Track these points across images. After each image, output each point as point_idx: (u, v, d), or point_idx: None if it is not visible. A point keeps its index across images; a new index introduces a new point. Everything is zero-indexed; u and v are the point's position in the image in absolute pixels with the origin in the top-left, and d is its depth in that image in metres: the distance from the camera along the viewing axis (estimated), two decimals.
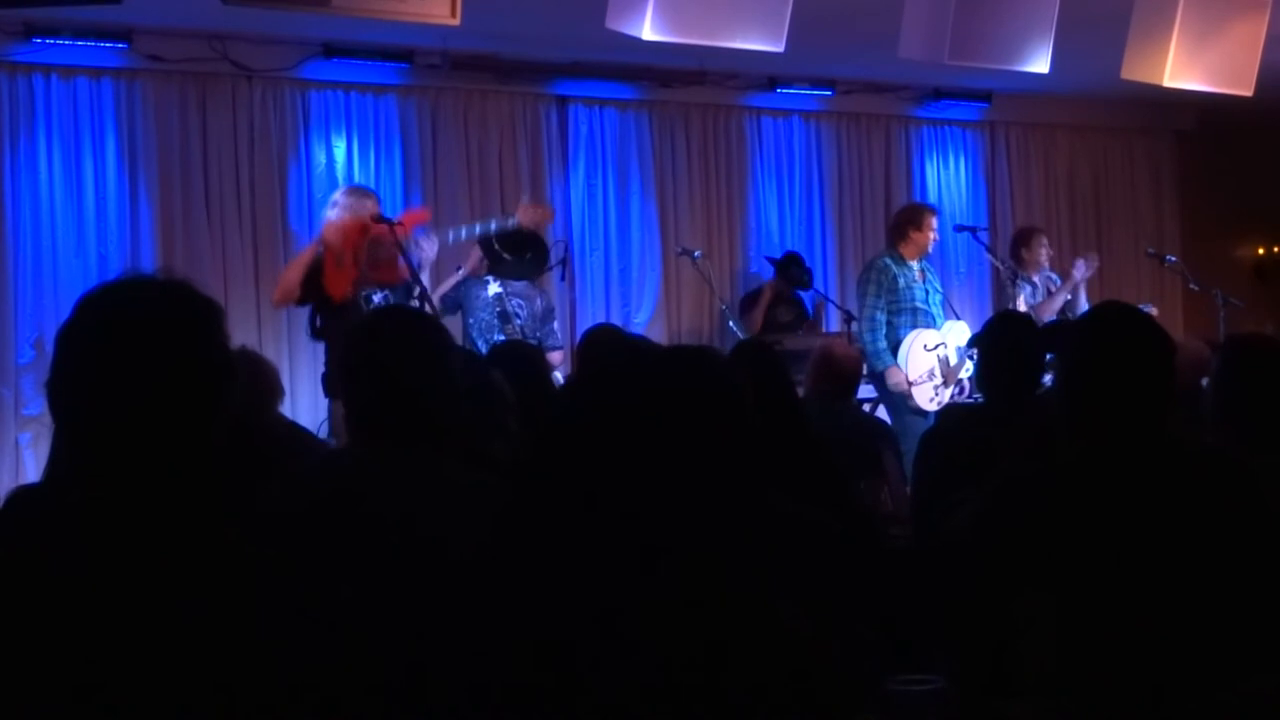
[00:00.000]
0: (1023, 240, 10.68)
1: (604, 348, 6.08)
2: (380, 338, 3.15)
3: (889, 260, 9.42)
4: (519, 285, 8.93)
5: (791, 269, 10.96)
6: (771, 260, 11.16)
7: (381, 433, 3.02)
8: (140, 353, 2.10)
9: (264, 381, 5.10)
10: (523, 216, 8.87)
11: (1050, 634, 2.91)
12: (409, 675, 2.12)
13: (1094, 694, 2.89)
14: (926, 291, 9.42)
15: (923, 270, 9.50)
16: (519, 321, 8.79)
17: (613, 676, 1.89)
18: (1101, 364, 3.15)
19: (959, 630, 3.04)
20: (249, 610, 2.03)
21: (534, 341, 8.74)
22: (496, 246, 8.86)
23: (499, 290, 8.69)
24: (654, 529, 1.95)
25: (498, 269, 8.82)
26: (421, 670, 2.11)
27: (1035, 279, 10.45)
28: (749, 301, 11.10)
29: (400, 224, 7.78)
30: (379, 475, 2.94)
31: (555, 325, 9.35)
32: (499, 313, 8.65)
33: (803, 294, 11.13)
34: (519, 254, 8.94)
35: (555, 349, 9.15)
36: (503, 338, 8.41)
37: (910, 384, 9.14)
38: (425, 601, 2.37)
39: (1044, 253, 10.56)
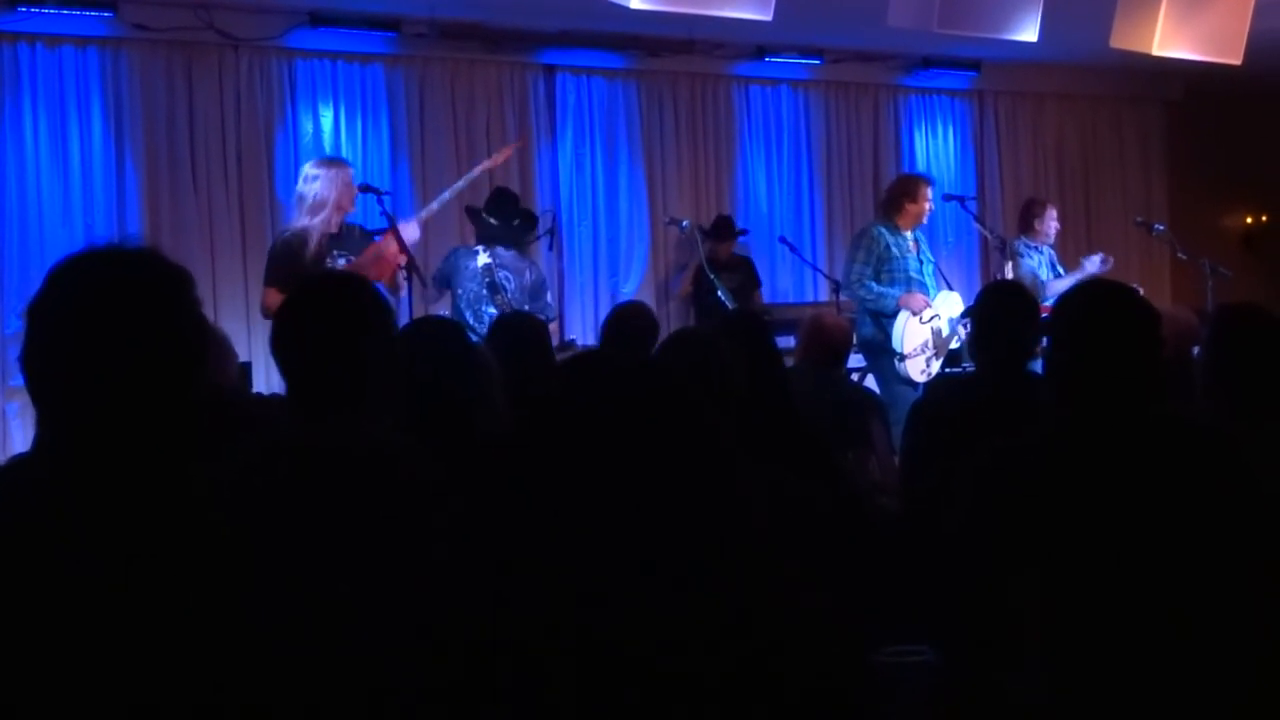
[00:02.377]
0: (1034, 211, 10.70)
1: (632, 324, 6.30)
2: (309, 306, 3.15)
3: (883, 229, 9.37)
4: (508, 256, 8.89)
5: (720, 229, 10.97)
6: (700, 228, 11.05)
7: (308, 401, 3.02)
8: (110, 323, 2.09)
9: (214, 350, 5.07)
10: (490, 164, 8.82)
11: (1039, 605, 2.91)
12: (375, 651, 2.12)
13: (1082, 665, 2.89)
14: (920, 262, 9.41)
15: (916, 240, 9.49)
16: (507, 294, 8.75)
17: (603, 659, 1.88)
18: (1088, 335, 3.15)
19: (948, 602, 3.05)
20: (227, 585, 2.03)
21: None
22: (484, 214, 8.85)
23: (488, 261, 8.62)
24: (648, 505, 1.94)
25: (485, 234, 8.78)
26: (384, 648, 2.11)
27: (1042, 249, 10.46)
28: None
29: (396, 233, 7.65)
30: (318, 449, 2.94)
31: (550, 298, 9.31)
32: (488, 284, 8.59)
33: (747, 257, 11.11)
34: (506, 220, 8.93)
35: (548, 322, 9.14)
36: (493, 310, 8.37)
37: (905, 356, 9.14)
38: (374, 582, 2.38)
39: (1052, 225, 10.58)
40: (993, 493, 3.05)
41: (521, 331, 5.67)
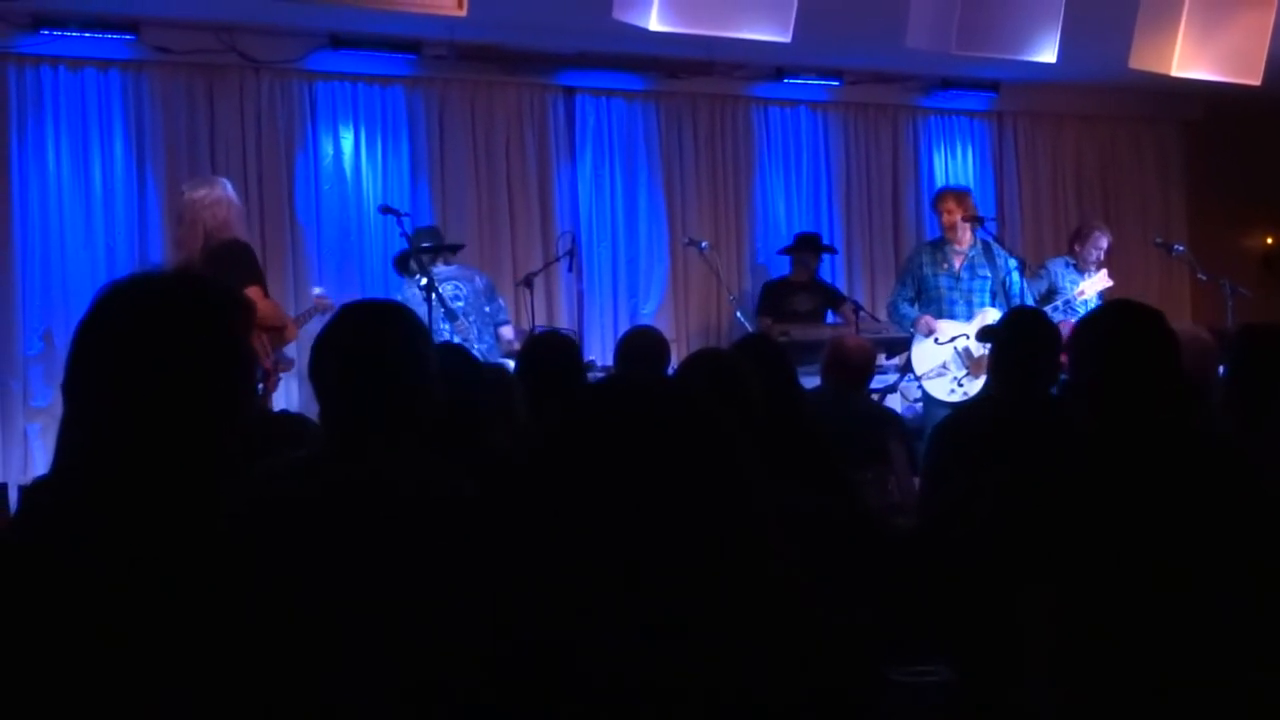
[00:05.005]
0: (1080, 234, 10.71)
1: (643, 350, 6.31)
2: (350, 329, 3.13)
3: (923, 249, 9.79)
4: (450, 270, 8.88)
5: (800, 253, 10.91)
6: (783, 251, 11.13)
7: (355, 427, 3.01)
8: (156, 346, 2.10)
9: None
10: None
11: (1053, 622, 2.91)
12: (404, 672, 2.12)
13: (1096, 682, 2.89)
14: (959, 278, 9.47)
15: (967, 255, 9.53)
16: (461, 304, 8.71)
17: (619, 674, 1.89)
18: (1108, 352, 3.16)
19: (962, 619, 3.05)
20: (255, 609, 2.03)
21: (482, 318, 8.78)
22: (411, 251, 8.85)
23: (424, 282, 8.46)
24: (666, 520, 1.95)
25: (420, 261, 8.75)
26: (412, 667, 2.12)
27: (1083, 274, 10.41)
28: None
29: None
30: (356, 472, 2.92)
31: (503, 301, 9.33)
32: (443, 312, 8.48)
33: (830, 282, 11.06)
34: (433, 240, 9.15)
35: (505, 324, 9.20)
36: (454, 337, 8.31)
37: (919, 377, 9.24)
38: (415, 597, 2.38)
39: (1094, 251, 10.51)
40: (1009, 509, 3.06)
41: (553, 349, 5.71)
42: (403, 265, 9.17)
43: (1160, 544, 2.95)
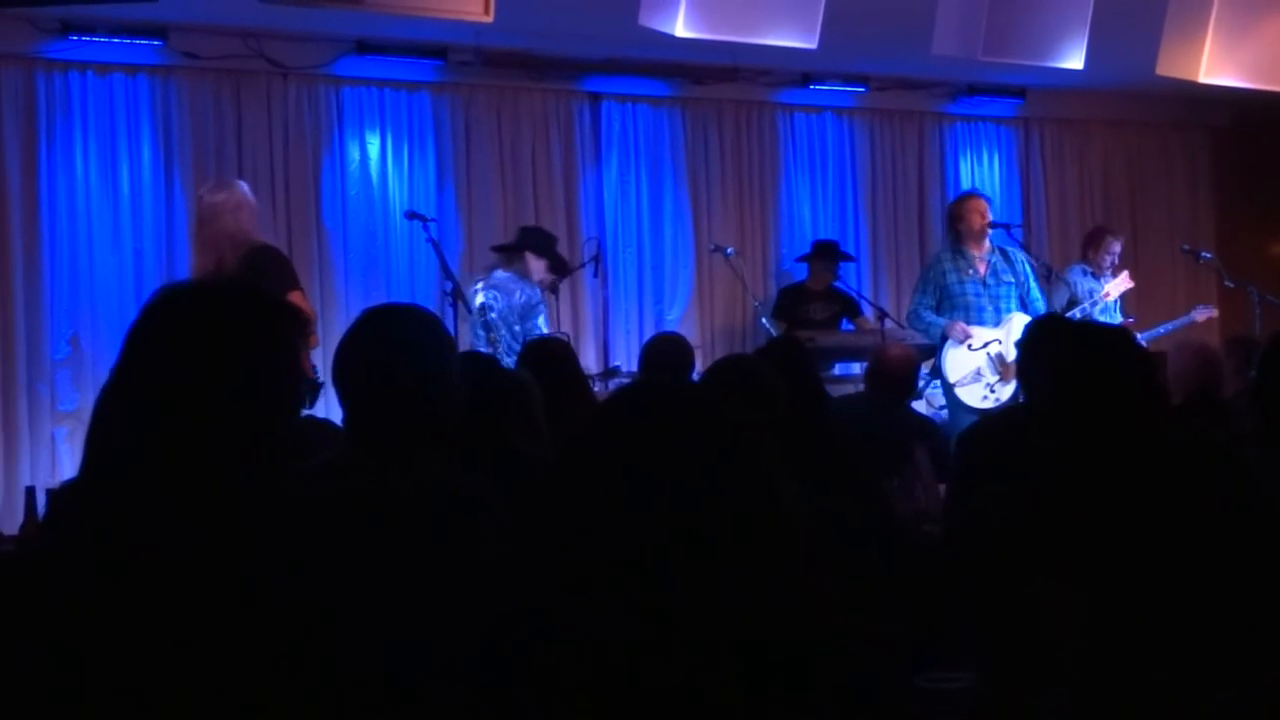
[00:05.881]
0: (1094, 239, 10.68)
1: (668, 356, 6.41)
2: (371, 336, 3.13)
3: (944, 256, 9.61)
4: (504, 278, 8.87)
5: (817, 261, 10.89)
6: (801, 258, 11.13)
7: (377, 431, 3.01)
8: (215, 352, 2.11)
9: None
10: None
11: (1069, 627, 2.91)
12: (423, 675, 2.12)
13: (1118, 689, 2.89)
14: (986, 285, 9.41)
15: (988, 261, 9.48)
16: (493, 315, 8.70)
17: (643, 678, 1.89)
18: (1080, 370, 3.21)
19: (984, 625, 3.05)
20: (282, 615, 2.04)
21: (511, 334, 8.77)
22: (530, 244, 8.94)
23: (483, 300, 8.58)
24: (692, 525, 1.95)
25: (498, 256, 8.93)
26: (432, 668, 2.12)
27: (1101, 279, 10.38)
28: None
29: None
30: (378, 477, 2.92)
31: (540, 322, 8.99)
32: (481, 323, 8.50)
33: (848, 289, 11.02)
34: (536, 240, 9.18)
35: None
36: (487, 347, 8.35)
37: (954, 385, 9.19)
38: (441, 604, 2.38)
39: (1106, 257, 10.49)
40: (1022, 517, 3.06)
41: (549, 352, 5.73)
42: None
43: (1170, 548, 2.95)
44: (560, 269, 9.12)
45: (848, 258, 11.12)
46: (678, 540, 1.93)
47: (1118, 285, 10.13)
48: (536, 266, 8.98)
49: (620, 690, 1.88)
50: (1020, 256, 9.71)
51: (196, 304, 2.19)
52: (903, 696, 2.24)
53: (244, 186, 7.61)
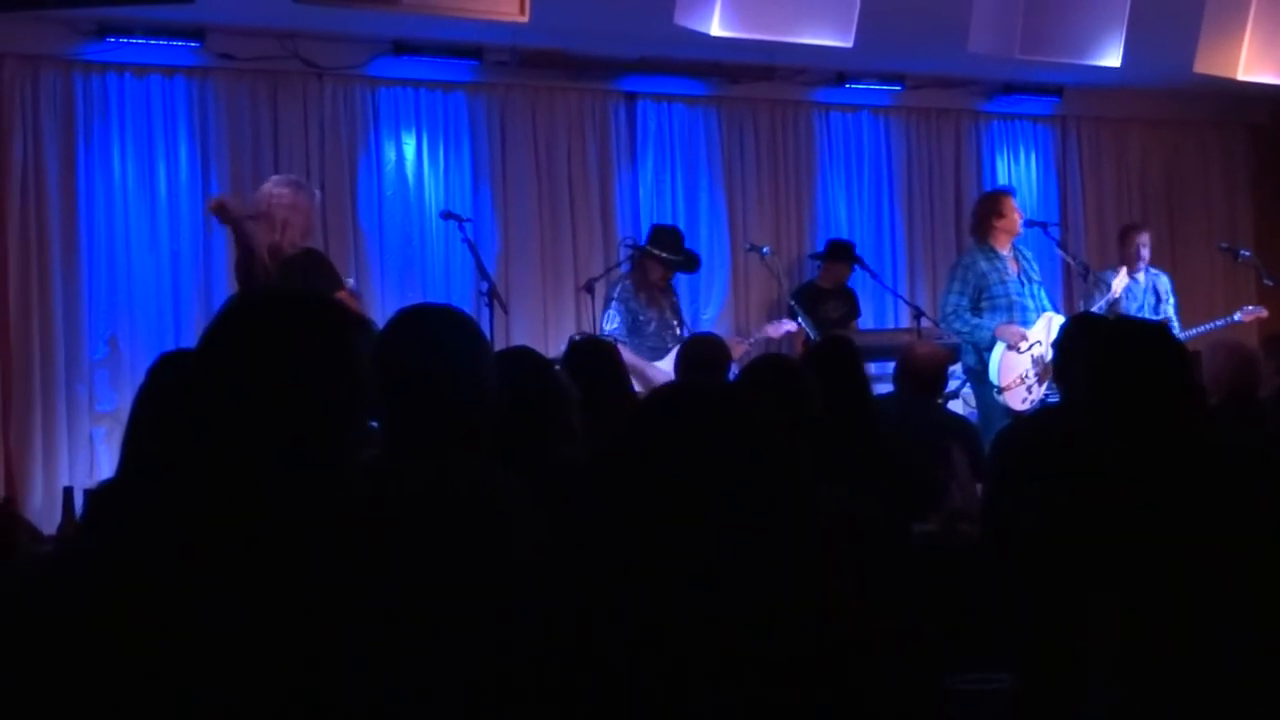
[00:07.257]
0: (1123, 237, 10.68)
1: (704, 357, 6.46)
2: (406, 337, 3.13)
3: (978, 254, 9.38)
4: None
5: (831, 261, 10.88)
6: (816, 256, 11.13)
7: (412, 431, 3.01)
8: (281, 362, 2.12)
9: None
10: None
11: (1108, 629, 2.90)
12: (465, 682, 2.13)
13: (1158, 691, 2.88)
14: (1024, 283, 9.32)
15: (1016, 259, 9.40)
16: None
17: (677, 677, 1.89)
18: (1117, 368, 3.19)
19: (1022, 627, 3.04)
20: (319, 613, 2.05)
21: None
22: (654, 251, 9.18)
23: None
24: (726, 530, 1.95)
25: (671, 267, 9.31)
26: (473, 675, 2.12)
27: (1138, 278, 10.34)
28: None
29: None
30: (414, 477, 2.92)
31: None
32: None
33: (856, 289, 11.00)
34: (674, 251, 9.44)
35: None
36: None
37: (1003, 389, 9.05)
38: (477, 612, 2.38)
39: (1142, 250, 10.46)
40: (1060, 516, 3.06)
41: (595, 354, 5.72)
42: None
43: (1200, 551, 2.94)
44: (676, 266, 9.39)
45: (859, 261, 11.04)
46: (708, 540, 1.93)
47: (1119, 281, 10.06)
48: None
49: (653, 689, 1.88)
50: (1029, 253, 9.65)
51: (274, 312, 2.20)
52: (931, 698, 2.24)
53: (313, 194, 7.69)
